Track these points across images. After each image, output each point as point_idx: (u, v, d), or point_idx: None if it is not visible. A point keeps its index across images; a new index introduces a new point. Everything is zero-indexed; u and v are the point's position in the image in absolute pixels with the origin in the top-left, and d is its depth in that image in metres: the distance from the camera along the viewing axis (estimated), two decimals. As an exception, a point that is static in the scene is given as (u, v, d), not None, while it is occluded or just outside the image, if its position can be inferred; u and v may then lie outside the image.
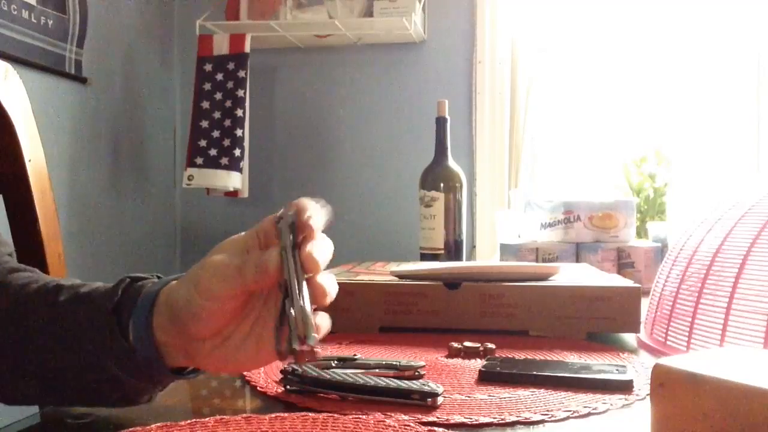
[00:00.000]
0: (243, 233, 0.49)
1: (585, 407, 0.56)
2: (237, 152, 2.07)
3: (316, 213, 0.46)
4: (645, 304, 0.85)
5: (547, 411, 0.55)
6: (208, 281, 0.46)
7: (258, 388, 0.62)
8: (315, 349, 0.43)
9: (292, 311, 0.43)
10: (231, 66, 2.10)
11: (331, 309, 0.46)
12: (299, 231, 0.45)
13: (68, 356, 0.50)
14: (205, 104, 2.11)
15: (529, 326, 0.85)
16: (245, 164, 2.10)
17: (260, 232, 0.47)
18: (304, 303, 0.43)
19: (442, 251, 1.38)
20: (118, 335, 0.49)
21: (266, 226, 0.47)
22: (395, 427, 0.51)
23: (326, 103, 2.33)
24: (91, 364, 0.50)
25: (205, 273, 0.46)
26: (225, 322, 0.48)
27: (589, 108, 2.21)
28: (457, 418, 0.53)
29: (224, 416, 0.53)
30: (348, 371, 0.60)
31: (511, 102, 2.21)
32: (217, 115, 2.10)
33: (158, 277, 0.54)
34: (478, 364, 0.69)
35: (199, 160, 2.08)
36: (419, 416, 0.53)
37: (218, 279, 0.46)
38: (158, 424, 0.51)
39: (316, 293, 0.45)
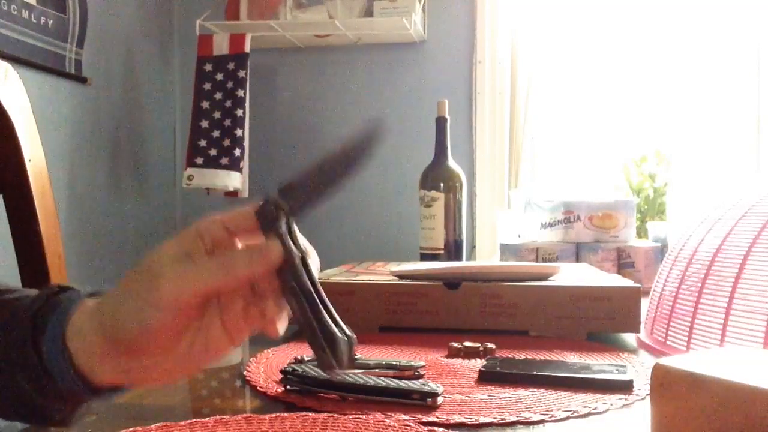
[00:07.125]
0: (175, 239, 0.42)
1: (585, 407, 0.56)
2: (237, 152, 2.06)
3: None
4: (645, 304, 0.85)
5: (547, 411, 0.55)
6: (170, 287, 0.40)
7: (258, 388, 0.62)
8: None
9: (330, 325, 0.39)
10: (231, 66, 2.10)
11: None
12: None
13: None
14: (205, 104, 2.11)
15: (529, 326, 0.85)
16: (245, 164, 2.10)
17: (206, 232, 0.42)
18: (330, 308, 0.40)
19: (442, 251, 1.38)
20: (30, 349, 0.43)
21: (239, 221, 0.42)
22: (395, 427, 0.51)
23: (326, 103, 2.33)
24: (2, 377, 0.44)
25: (163, 280, 0.40)
26: (178, 334, 0.41)
27: (589, 108, 2.21)
28: (457, 418, 0.53)
29: (224, 416, 0.53)
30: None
31: (511, 102, 2.21)
32: (217, 115, 2.10)
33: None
34: (478, 364, 0.69)
35: (199, 160, 2.07)
36: (419, 416, 0.53)
37: (186, 281, 0.40)
38: (158, 424, 0.51)
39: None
